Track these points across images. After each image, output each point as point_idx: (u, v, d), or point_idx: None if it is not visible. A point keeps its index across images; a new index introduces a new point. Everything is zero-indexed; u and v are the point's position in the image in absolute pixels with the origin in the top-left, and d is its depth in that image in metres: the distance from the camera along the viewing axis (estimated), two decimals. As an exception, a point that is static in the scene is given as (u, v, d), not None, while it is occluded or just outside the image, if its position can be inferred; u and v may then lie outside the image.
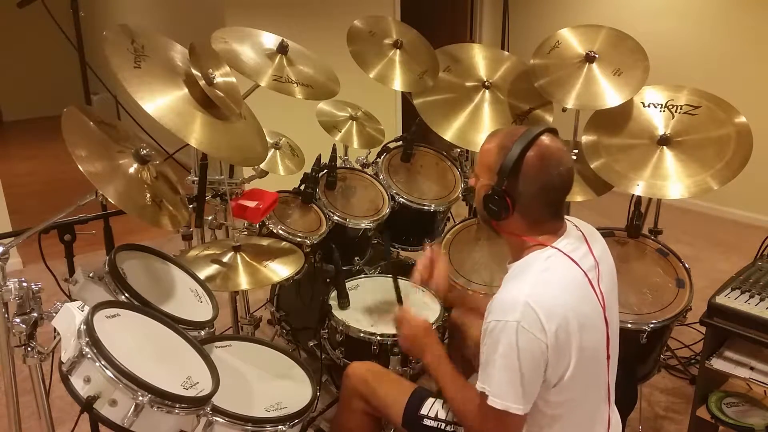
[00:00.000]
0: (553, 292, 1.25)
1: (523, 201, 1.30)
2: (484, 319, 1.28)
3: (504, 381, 1.23)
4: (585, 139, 2.26)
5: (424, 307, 2.01)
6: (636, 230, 2.21)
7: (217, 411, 1.35)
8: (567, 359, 1.25)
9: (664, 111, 2.23)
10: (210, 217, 2.04)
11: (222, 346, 1.66)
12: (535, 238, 1.33)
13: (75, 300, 1.35)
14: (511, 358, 1.21)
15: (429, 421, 1.50)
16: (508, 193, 1.29)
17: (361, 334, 1.90)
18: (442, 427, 1.49)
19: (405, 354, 1.63)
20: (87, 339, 1.17)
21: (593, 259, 1.34)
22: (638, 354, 2.02)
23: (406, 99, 2.89)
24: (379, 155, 2.60)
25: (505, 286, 1.31)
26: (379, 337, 1.89)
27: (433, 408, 1.51)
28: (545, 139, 1.30)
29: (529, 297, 1.22)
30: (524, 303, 1.21)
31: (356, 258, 2.38)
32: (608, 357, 1.37)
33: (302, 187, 2.31)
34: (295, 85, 2.05)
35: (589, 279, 1.31)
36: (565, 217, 1.41)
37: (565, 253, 1.30)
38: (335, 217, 2.28)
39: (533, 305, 1.20)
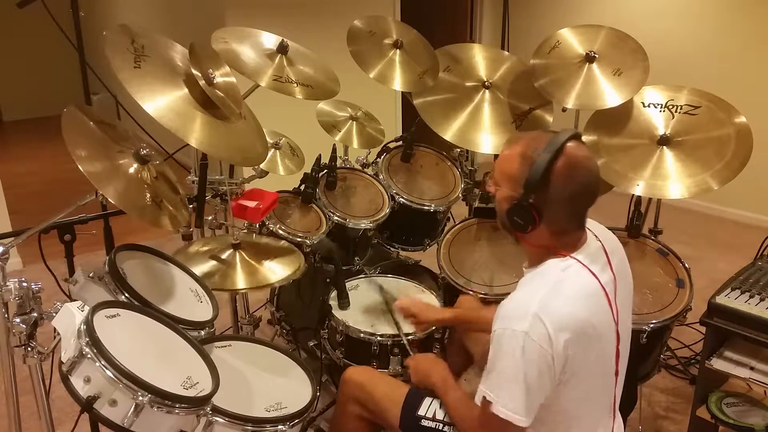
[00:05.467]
0: (565, 303, 1.22)
1: (550, 213, 1.25)
2: (493, 322, 1.26)
3: (510, 391, 1.20)
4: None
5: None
6: (636, 230, 2.21)
7: (217, 411, 1.35)
8: (573, 371, 1.23)
9: (664, 111, 2.23)
10: (210, 217, 2.04)
11: (222, 346, 1.66)
12: (555, 248, 1.30)
13: (75, 300, 1.35)
14: (517, 369, 1.19)
15: (427, 422, 1.50)
16: (535, 206, 1.24)
17: (361, 335, 1.91)
18: (440, 427, 1.48)
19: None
20: (87, 339, 1.17)
21: (611, 273, 1.32)
22: (638, 354, 2.01)
23: (406, 99, 2.89)
24: (379, 155, 2.60)
25: (518, 291, 1.28)
26: (379, 337, 1.89)
27: (430, 408, 1.51)
28: (571, 146, 1.23)
29: (539, 307, 1.19)
30: (534, 314, 1.18)
31: (356, 258, 2.38)
32: (617, 373, 1.36)
33: (302, 187, 2.31)
34: (295, 85, 2.05)
35: (606, 292, 1.28)
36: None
37: (584, 265, 1.27)
38: (335, 217, 2.28)
39: (542, 316, 1.18)
